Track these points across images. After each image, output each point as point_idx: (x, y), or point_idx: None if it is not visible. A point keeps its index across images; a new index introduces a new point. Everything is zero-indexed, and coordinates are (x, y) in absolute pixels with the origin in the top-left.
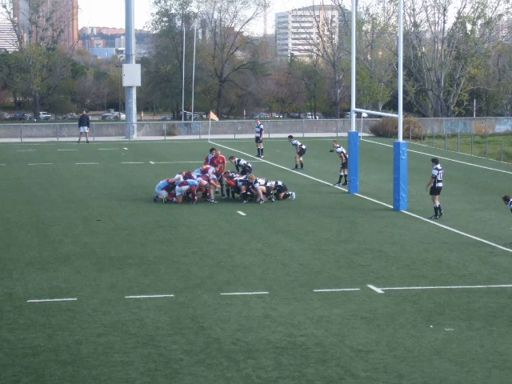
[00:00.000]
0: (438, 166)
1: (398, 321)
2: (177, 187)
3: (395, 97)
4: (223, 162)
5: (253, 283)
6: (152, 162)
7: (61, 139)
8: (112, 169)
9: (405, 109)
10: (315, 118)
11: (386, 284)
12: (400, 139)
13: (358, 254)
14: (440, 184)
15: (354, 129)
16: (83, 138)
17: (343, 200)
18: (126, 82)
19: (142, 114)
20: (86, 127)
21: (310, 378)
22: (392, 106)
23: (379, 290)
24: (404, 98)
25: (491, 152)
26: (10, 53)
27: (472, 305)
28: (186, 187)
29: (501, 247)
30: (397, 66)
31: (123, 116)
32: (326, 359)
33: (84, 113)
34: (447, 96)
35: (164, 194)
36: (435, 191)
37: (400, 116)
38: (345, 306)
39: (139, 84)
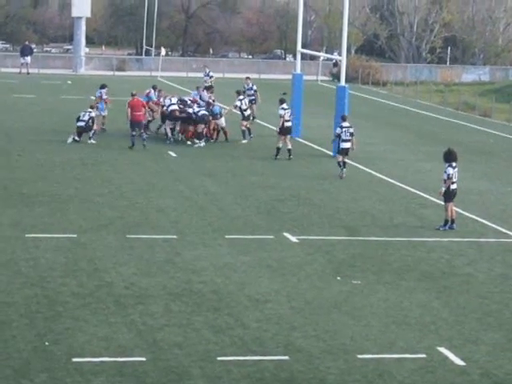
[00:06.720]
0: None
1: (304, 271)
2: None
3: (369, 41)
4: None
5: (163, 226)
6: (93, 97)
7: (3, 70)
8: (49, 103)
9: (376, 54)
10: (285, 59)
11: (303, 233)
12: (342, 83)
13: (281, 200)
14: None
15: (298, 70)
16: (24, 70)
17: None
18: (74, 13)
19: (104, 48)
20: (28, 57)
21: (198, 326)
22: (365, 50)
23: (294, 239)
24: (375, 43)
25: (452, 102)
26: None
27: (387, 257)
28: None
29: (433, 199)
30: (369, 10)
31: (87, 50)
32: (219, 307)
33: (26, 42)
34: (420, 42)
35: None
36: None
37: (343, 58)
38: (253, 254)
39: (89, 15)
